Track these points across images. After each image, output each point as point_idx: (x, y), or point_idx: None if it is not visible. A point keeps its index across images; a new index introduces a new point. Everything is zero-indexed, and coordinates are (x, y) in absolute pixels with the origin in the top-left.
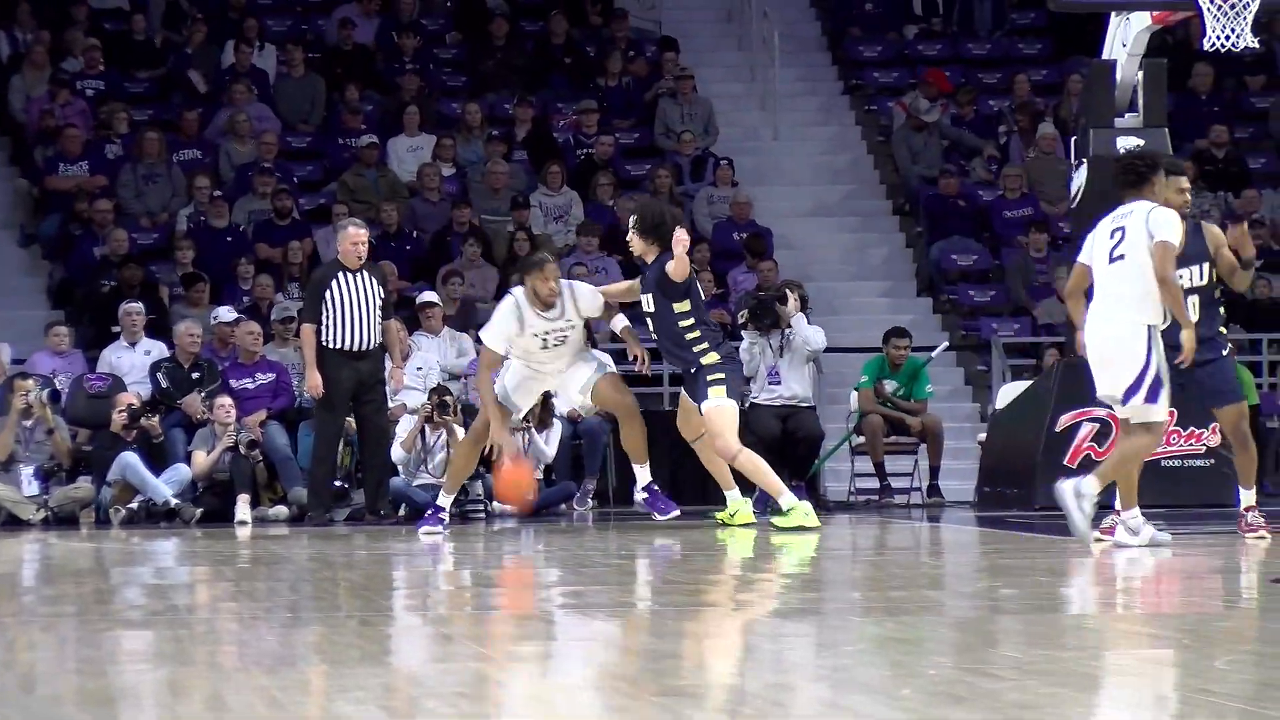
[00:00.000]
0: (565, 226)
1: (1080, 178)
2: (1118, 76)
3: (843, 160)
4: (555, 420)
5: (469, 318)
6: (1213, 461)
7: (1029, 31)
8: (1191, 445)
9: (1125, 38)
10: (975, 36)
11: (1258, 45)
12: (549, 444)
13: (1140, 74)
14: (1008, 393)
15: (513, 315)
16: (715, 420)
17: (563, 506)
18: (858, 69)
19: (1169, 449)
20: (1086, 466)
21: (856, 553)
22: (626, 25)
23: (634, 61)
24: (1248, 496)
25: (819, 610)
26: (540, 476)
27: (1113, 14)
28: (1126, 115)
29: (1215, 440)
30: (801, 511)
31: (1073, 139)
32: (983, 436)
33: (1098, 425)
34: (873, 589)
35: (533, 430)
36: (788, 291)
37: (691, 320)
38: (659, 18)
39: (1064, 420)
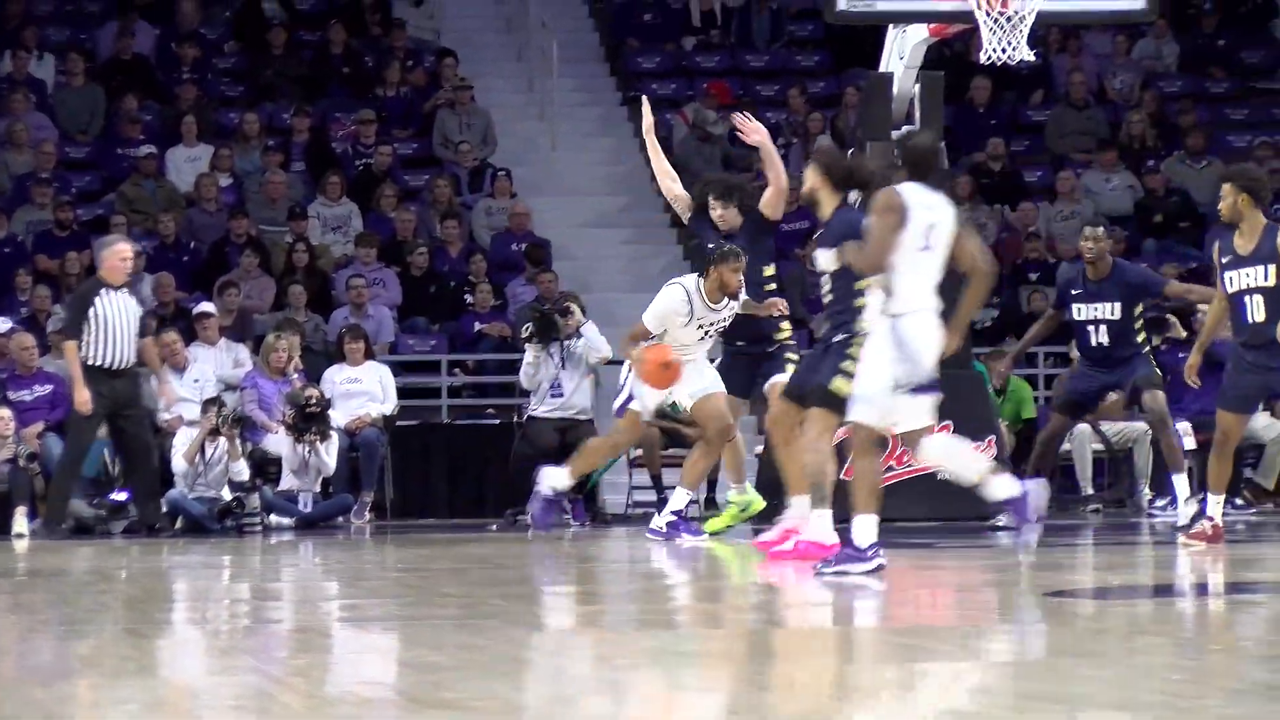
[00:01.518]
0: (344, 237)
1: (857, 190)
2: (895, 89)
3: (621, 171)
4: (333, 433)
5: (246, 328)
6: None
7: (807, 43)
8: None
9: (902, 50)
10: (753, 48)
11: (1034, 59)
12: (328, 455)
13: (917, 86)
14: None
15: (683, 304)
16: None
17: (340, 519)
18: (636, 80)
19: None
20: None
21: (634, 565)
22: (405, 36)
23: (413, 71)
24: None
25: (597, 623)
26: (317, 490)
27: (890, 26)
28: (904, 128)
29: (991, 453)
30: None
31: (850, 151)
32: (760, 449)
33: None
34: (650, 601)
35: (316, 443)
36: (569, 304)
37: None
38: (438, 28)
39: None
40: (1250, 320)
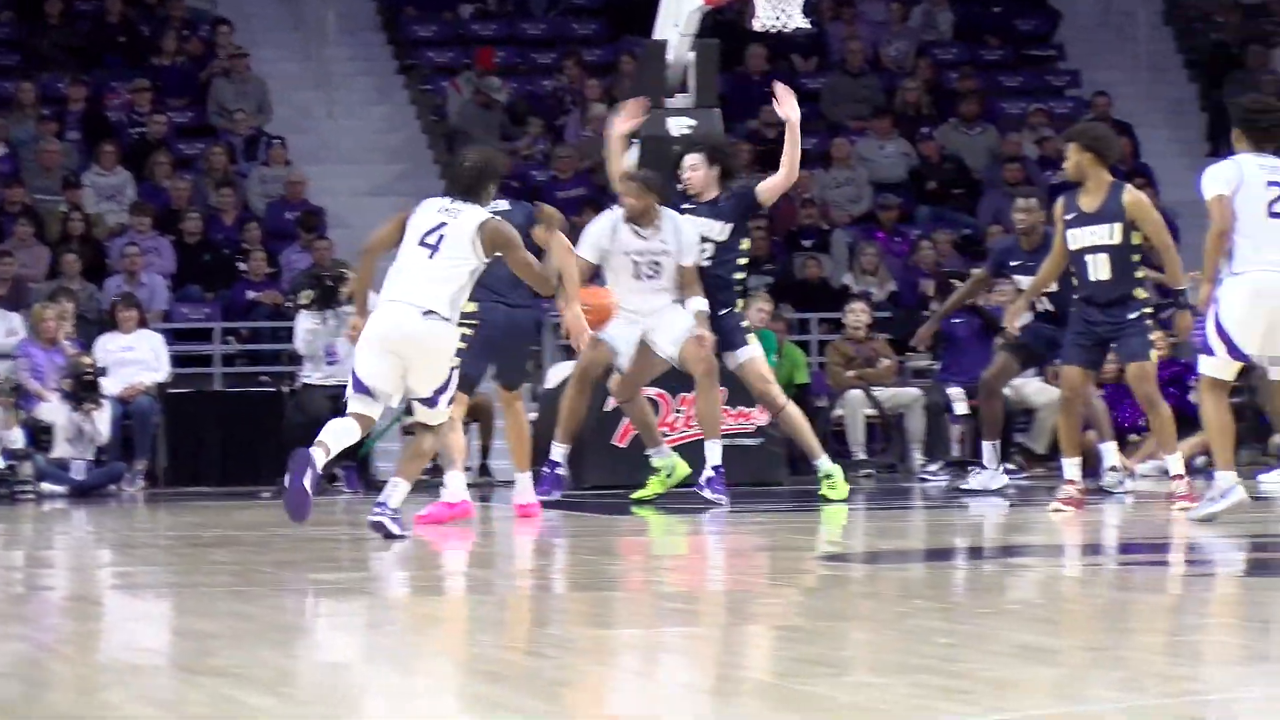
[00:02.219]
0: (119, 206)
1: (632, 157)
2: (670, 57)
3: (397, 139)
4: (104, 401)
5: (20, 297)
6: (762, 440)
7: (583, 11)
8: (741, 424)
9: (678, 18)
10: (530, 16)
11: (809, 26)
12: (101, 424)
13: (693, 54)
14: (558, 372)
15: (608, 223)
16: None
17: (112, 487)
18: (413, 48)
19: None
20: (636, 446)
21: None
22: (182, 5)
23: (189, 40)
24: (1174, 462)
25: (366, 590)
26: (90, 458)
27: None
28: (679, 96)
29: (764, 419)
30: (839, 476)
31: None
32: (534, 415)
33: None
34: (421, 568)
35: (91, 411)
36: (345, 271)
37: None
38: None
39: (613, 399)
40: (1092, 277)
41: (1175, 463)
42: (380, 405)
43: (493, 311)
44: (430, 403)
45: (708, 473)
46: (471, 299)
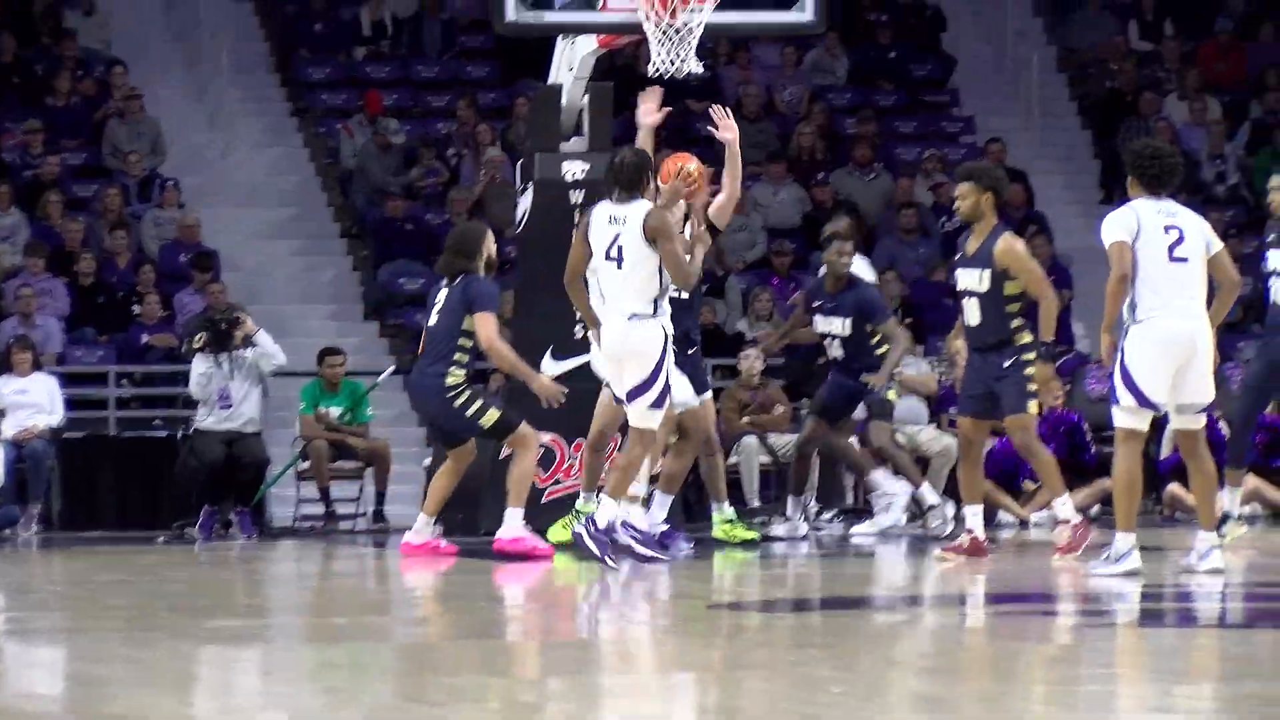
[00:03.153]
0: (12, 247)
1: (526, 201)
2: (564, 100)
3: (291, 181)
4: None
5: None
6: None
7: (477, 54)
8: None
9: (572, 61)
10: (424, 58)
11: (703, 71)
12: None
13: (586, 98)
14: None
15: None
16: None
17: (6, 532)
18: (306, 90)
19: None
20: (537, 493)
21: (302, 579)
22: (75, 45)
23: (83, 81)
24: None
25: (263, 637)
26: None
27: (559, 37)
28: (573, 139)
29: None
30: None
31: (519, 163)
32: (428, 461)
33: (541, 450)
34: (317, 615)
35: None
36: (239, 314)
37: None
38: (109, 37)
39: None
40: (967, 322)
41: (1062, 507)
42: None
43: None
44: (629, 399)
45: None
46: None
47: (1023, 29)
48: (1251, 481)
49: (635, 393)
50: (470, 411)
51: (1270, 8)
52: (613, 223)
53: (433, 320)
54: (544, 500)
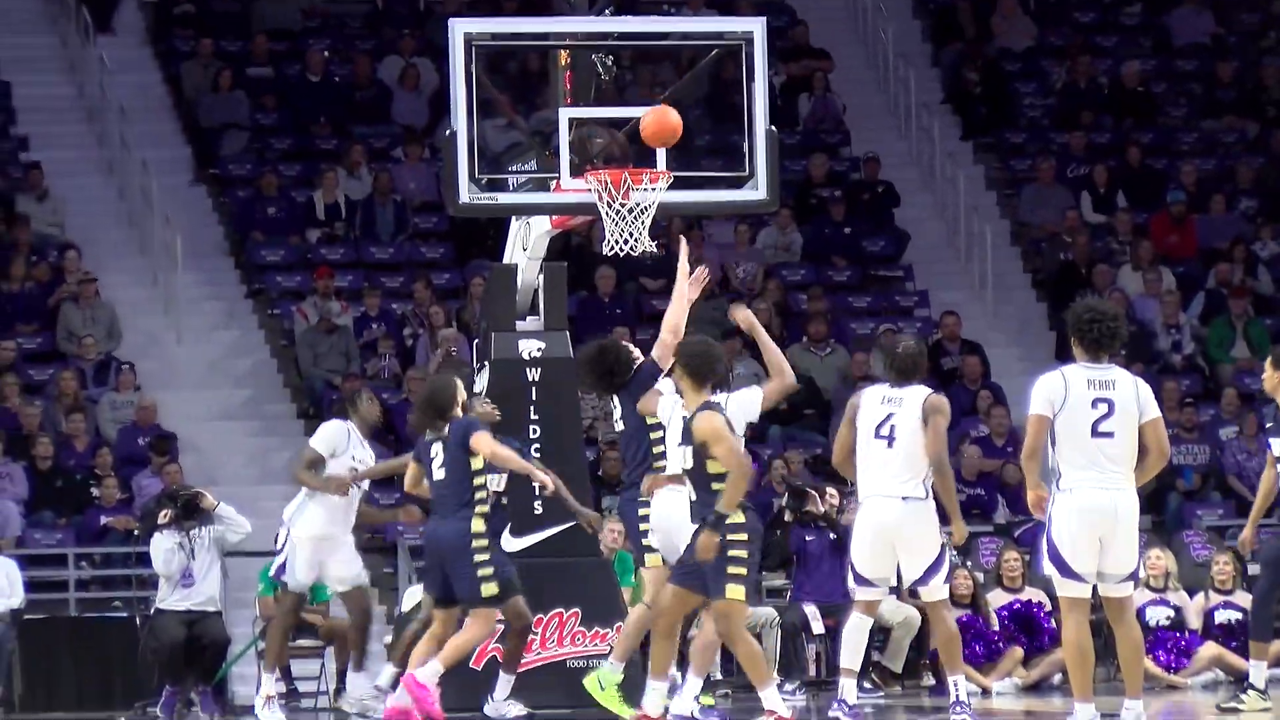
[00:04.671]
0: None
1: (483, 380)
2: (519, 280)
3: (246, 364)
4: None
5: None
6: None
7: (431, 235)
8: (597, 645)
9: (526, 241)
10: (377, 240)
11: (655, 249)
12: None
13: (541, 277)
14: (414, 594)
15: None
16: None
17: None
18: (260, 272)
19: (575, 648)
20: (491, 668)
21: None
22: (29, 230)
23: (37, 266)
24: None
25: None
26: None
27: (513, 218)
28: (529, 318)
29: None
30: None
31: (475, 342)
32: (389, 639)
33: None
34: None
35: None
36: (199, 491)
37: None
38: (62, 222)
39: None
40: None
41: (767, 697)
42: (882, 592)
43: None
44: (923, 581)
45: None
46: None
47: (975, 204)
48: (1214, 649)
49: (929, 573)
50: (480, 573)
51: (1220, 180)
52: (887, 403)
53: (438, 475)
54: (520, 670)
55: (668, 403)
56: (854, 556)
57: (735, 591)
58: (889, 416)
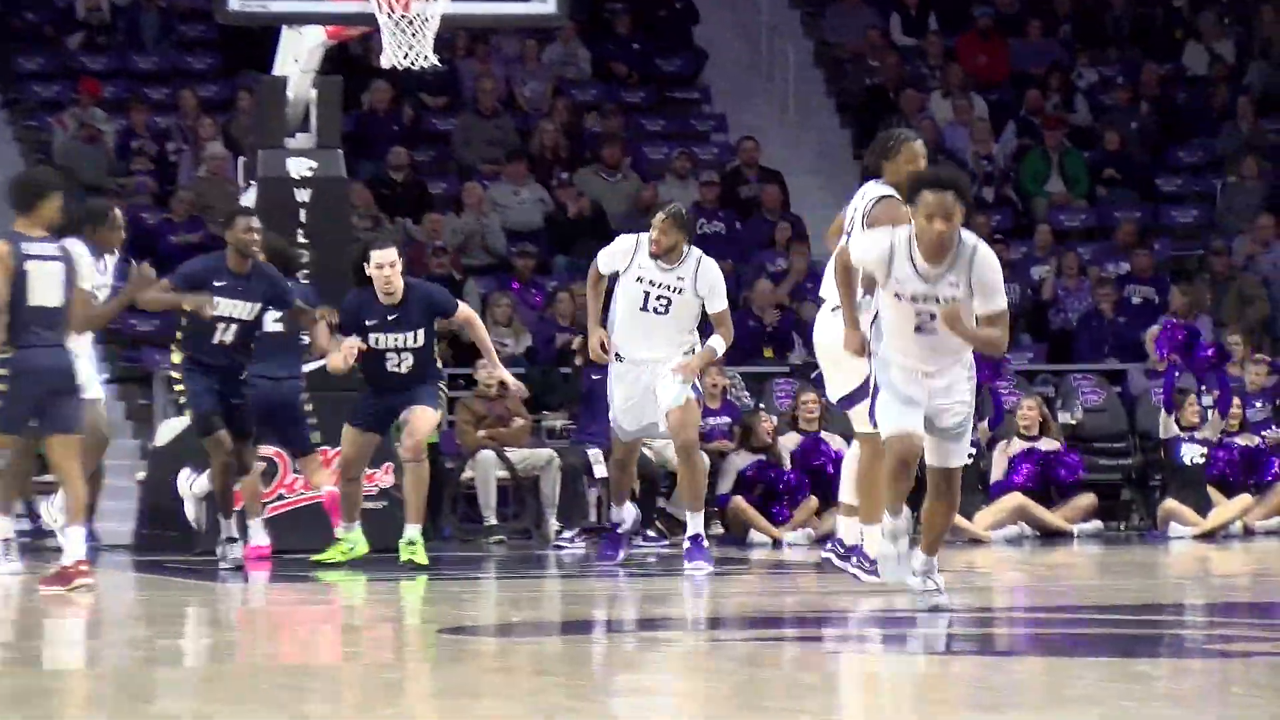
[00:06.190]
0: None
1: (250, 200)
2: (290, 94)
3: (0, 176)
4: None
5: None
6: (385, 504)
7: (197, 44)
8: (366, 487)
9: (298, 53)
10: (142, 49)
11: (439, 64)
12: None
13: (314, 91)
14: (169, 429)
15: (632, 242)
16: None
17: None
18: (18, 81)
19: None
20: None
21: (6, 601)
22: None
23: None
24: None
25: None
26: None
27: (285, 28)
28: (299, 135)
29: (389, 480)
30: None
31: (241, 160)
32: (143, 474)
33: (264, 464)
34: (18, 639)
35: None
36: None
37: None
38: None
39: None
40: None
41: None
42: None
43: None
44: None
45: (687, 544)
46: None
47: (777, 22)
48: (1017, 500)
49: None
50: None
51: (1038, 3)
52: None
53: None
54: (268, 515)
55: None
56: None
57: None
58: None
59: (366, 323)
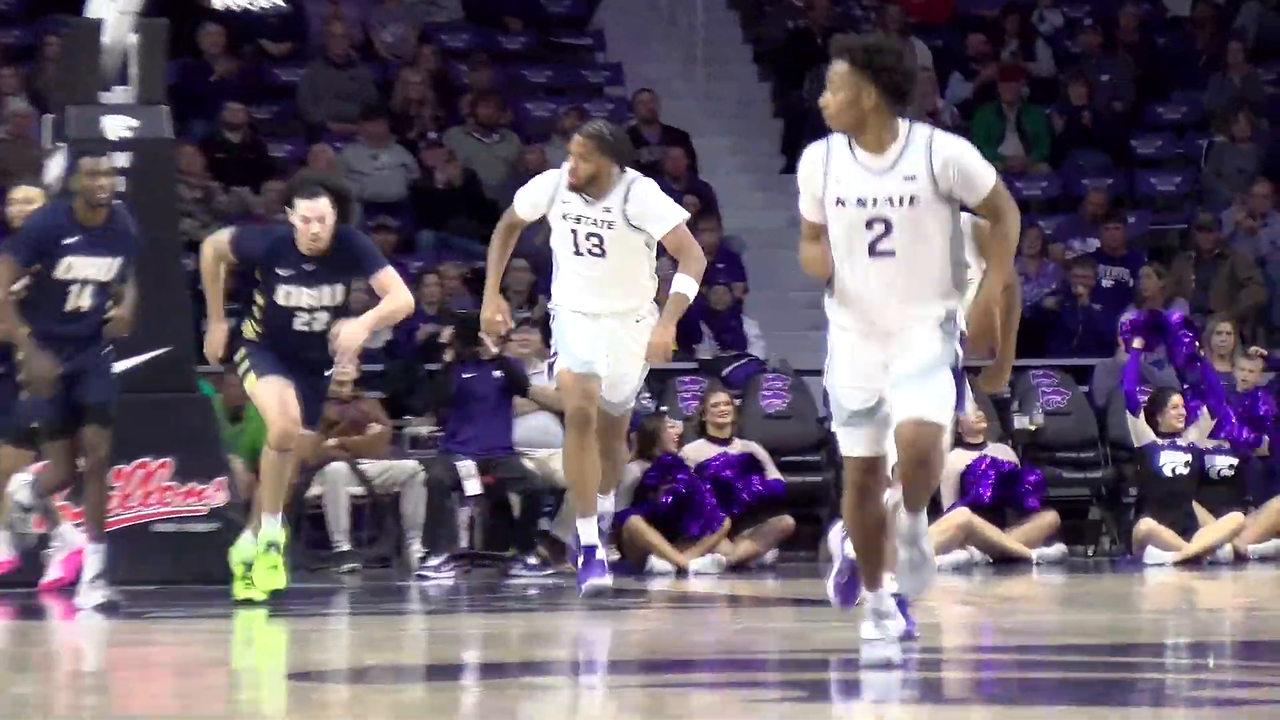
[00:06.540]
0: None
1: (58, 165)
2: (106, 40)
3: None
4: None
5: None
6: (219, 525)
7: None
8: (191, 504)
9: None
10: None
11: (282, 3)
12: None
13: (135, 37)
14: None
15: (555, 177)
16: None
17: None
18: None
19: (164, 508)
20: None
21: None
22: None
23: None
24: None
25: None
26: None
27: None
28: (116, 89)
29: (222, 498)
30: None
31: (47, 117)
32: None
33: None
34: None
35: None
36: None
37: None
38: None
39: None
40: None
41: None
42: None
43: None
44: None
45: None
46: None
47: None
48: (964, 517)
49: None
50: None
51: None
52: None
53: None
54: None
55: None
56: None
57: None
58: None
59: (279, 272)
